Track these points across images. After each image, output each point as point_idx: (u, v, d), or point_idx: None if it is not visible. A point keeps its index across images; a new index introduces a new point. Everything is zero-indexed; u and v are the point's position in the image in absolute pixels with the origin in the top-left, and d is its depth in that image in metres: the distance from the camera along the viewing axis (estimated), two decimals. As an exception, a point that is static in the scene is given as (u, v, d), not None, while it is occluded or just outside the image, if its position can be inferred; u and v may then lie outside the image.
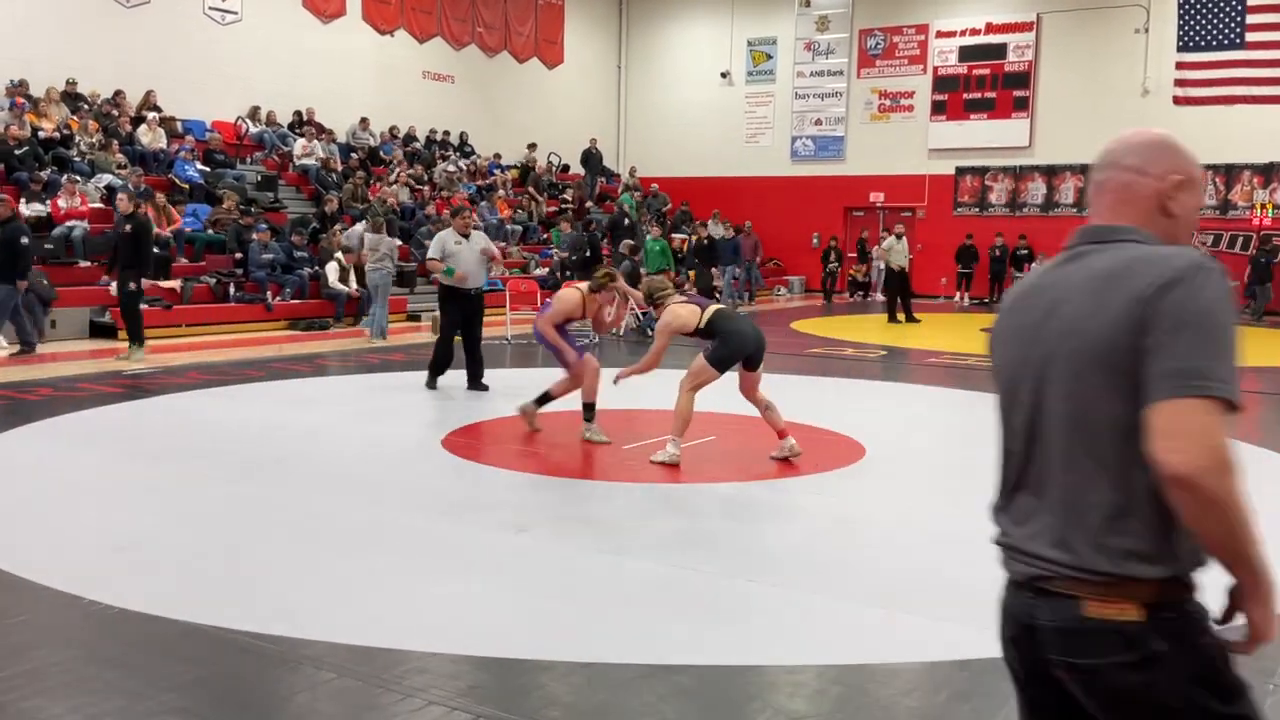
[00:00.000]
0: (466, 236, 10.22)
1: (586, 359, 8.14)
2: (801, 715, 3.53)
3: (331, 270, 16.51)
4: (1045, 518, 1.87)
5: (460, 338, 10.35)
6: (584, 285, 8.40)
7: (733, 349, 7.20)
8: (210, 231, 16.66)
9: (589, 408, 7.98)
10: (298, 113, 21.02)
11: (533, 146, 25.49)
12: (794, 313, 21.33)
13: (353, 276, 16.70)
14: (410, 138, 23.30)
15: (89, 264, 14.70)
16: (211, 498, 6.17)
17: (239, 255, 16.28)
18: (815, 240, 25.72)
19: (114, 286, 12.30)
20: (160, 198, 16.31)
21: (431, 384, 10.28)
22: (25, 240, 12.11)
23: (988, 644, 4.08)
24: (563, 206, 23.73)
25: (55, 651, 3.92)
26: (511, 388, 10.25)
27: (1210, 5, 22.05)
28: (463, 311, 10.19)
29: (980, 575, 4.96)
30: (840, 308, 23.04)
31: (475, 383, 10.27)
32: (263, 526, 5.62)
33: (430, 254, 10.37)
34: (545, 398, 8.20)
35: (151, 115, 18.08)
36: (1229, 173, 22.63)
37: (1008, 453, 1.98)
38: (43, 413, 8.68)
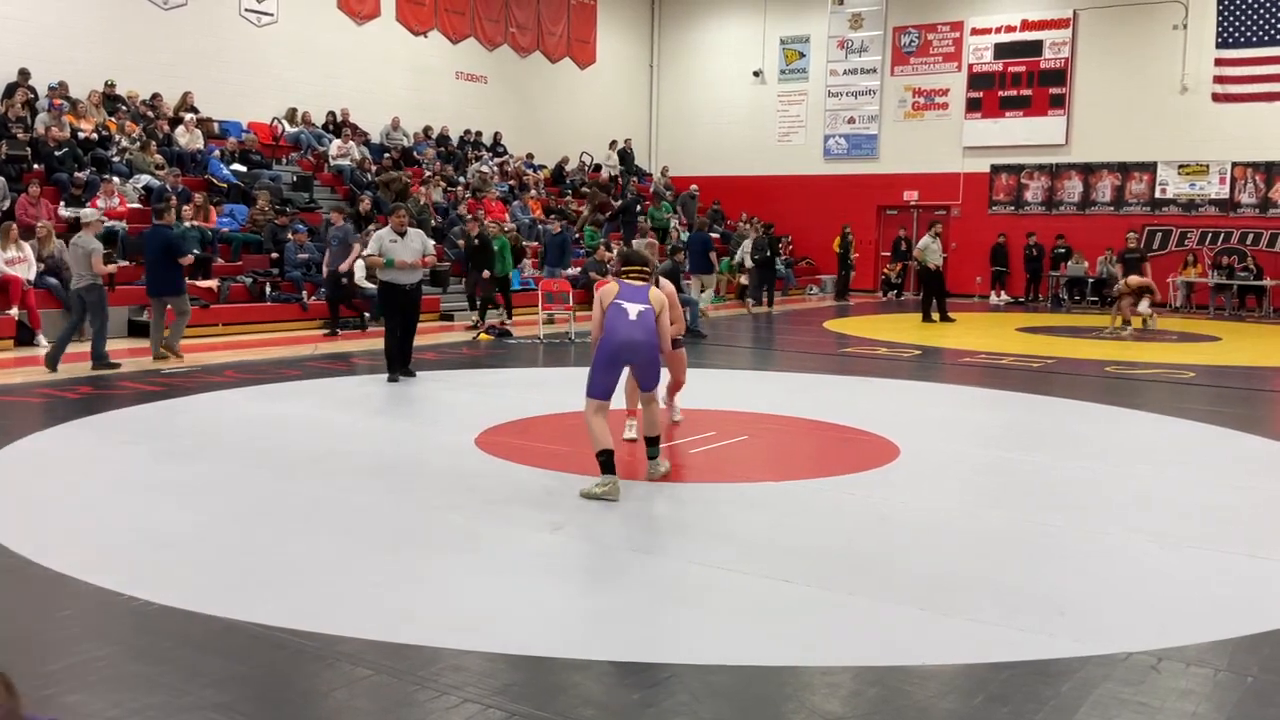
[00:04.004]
0: (402, 234, 10.72)
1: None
2: (837, 716, 3.52)
3: (362, 270, 16.57)
4: None
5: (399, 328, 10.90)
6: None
7: None
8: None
9: (656, 441, 6.86)
10: (332, 114, 21.18)
11: (613, 145, 26.57)
12: (825, 312, 21.25)
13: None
14: (443, 138, 23.41)
15: (127, 263, 14.89)
16: (249, 495, 6.22)
17: (275, 255, 16.45)
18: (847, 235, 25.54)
19: None
20: (199, 197, 16.51)
21: (392, 378, 10.72)
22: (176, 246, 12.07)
23: (1025, 646, 4.08)
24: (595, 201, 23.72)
25: (97, 647, 3.97)
26: (535, 382, 10.51)
27: (1250, 1, 21.77)
28: (400, 305, 10.76)
29: (1017, 577, 4.94)
30: (863, 308, 22.90)
31: (404, 369, 10.84)
32: (299, 524, 5.66)
33: (369, 250, 11.07)
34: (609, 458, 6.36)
35: (189, 116, 18.28)
36: (1269, 171, 22.32)
37: None
38: (82, 410, 8.78)
